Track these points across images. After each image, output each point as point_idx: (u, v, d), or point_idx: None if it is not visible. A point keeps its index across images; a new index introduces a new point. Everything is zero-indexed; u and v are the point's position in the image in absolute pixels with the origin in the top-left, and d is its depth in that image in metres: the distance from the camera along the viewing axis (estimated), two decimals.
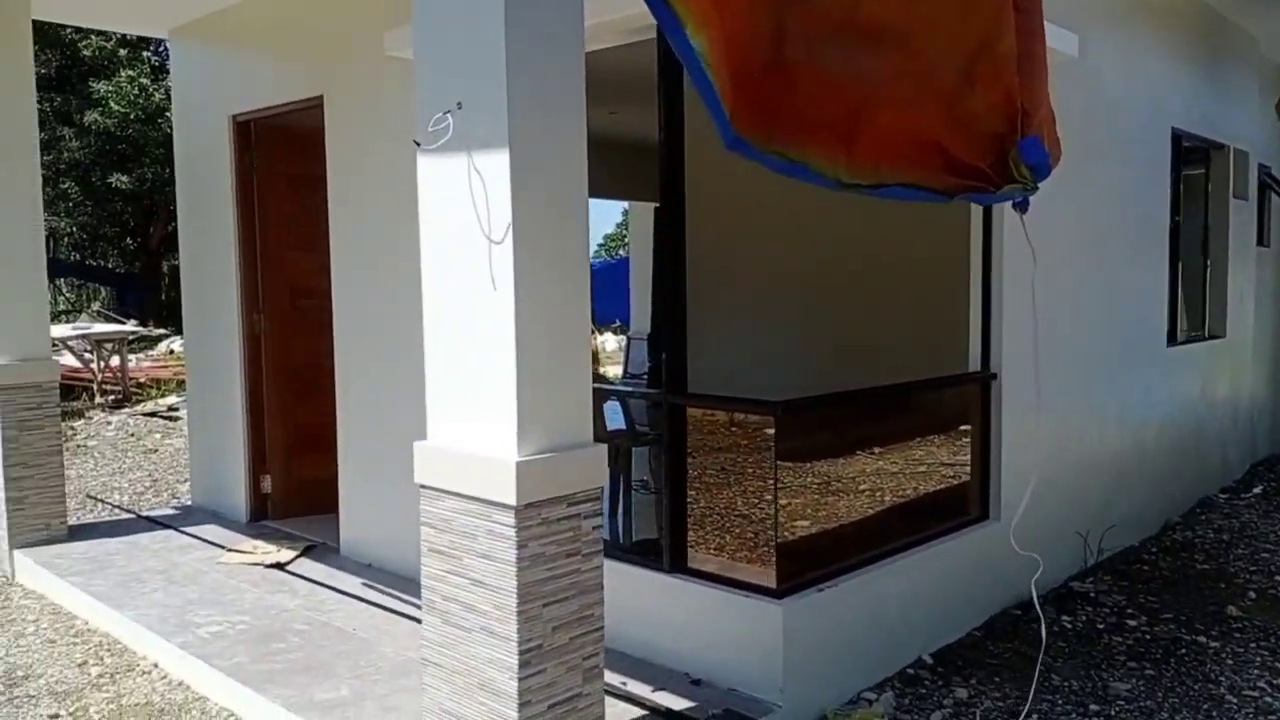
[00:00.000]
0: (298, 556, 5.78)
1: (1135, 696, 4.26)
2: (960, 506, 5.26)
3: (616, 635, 4.05)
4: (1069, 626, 5.07)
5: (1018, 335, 5.16)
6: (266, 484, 6.65)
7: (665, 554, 4.24)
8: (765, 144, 2.30)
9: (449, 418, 3.02)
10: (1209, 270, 8.03)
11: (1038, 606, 4.00)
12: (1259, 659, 4.70)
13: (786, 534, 4.24)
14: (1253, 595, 5.62)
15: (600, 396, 4.62)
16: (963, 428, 5.52)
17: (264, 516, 6.64)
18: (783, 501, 4.19)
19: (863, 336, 7.27)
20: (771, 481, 4.14)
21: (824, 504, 4.97)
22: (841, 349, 7.36)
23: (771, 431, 4.09)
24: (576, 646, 3.02)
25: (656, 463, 6.48)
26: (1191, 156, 7.59)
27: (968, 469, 5.40)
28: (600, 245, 31.17)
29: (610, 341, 19.65)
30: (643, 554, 4.39)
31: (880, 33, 2.32)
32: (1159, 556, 6.37)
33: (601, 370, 17.28)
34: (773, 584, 4.02)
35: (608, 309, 20.45)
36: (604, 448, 3.06)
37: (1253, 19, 7.89)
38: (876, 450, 6.12)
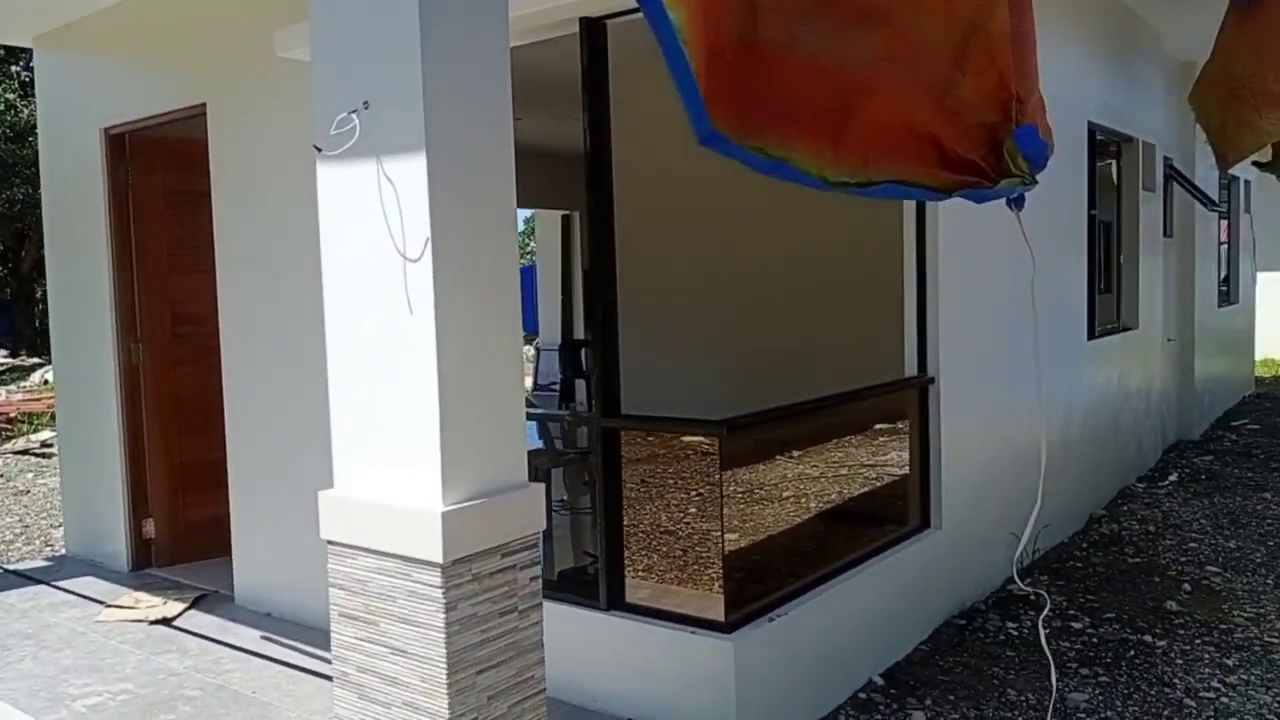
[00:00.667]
0: (187, 609, 5.25)
1: (1095, 707, 4.10)
2: (902, 516, 5.06)
3: (549, 680, 3.70)
4: (1015, 634, 4.91)
5: (954, 337, 4.99)
6: (150, 528, 6.06)
7: (602, 590, 3.91)
8: (742, 137, 2.00)
9: (360, 461, 2.63)
10: (1121, 262, 8.08)
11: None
12: (1206, 655, 4.61)
13: (733, 561, 3.95)
14: (1188, 588, 5.57)
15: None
16: (902, 435, 5.34)
17: (148, 564, 6.05)
18: (727, 525, 3.90)
19: (796, 342, 7.06)
20: (716, 507, 3.85)
21: (767, 524, 4.72)
22: (774, 356, 7.14)
23: (711, 452, 3.80)
24: (515, 715, 2.66)
25: (573, 481, 6.17)
26: (1102, 150, 7.61)
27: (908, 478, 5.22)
28: None
29: (528, 351, 19.19)
30: (576, 590, 4.04)
31: (863, 9, 2.04)
32: (1090, 552, 6.31)
33: None
34: (721, 617, 3.72)
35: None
36: (541, 488, 2.71)
37: (1158, 15, 7.97)
38: (817, 464, 5.91)
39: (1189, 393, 9.92)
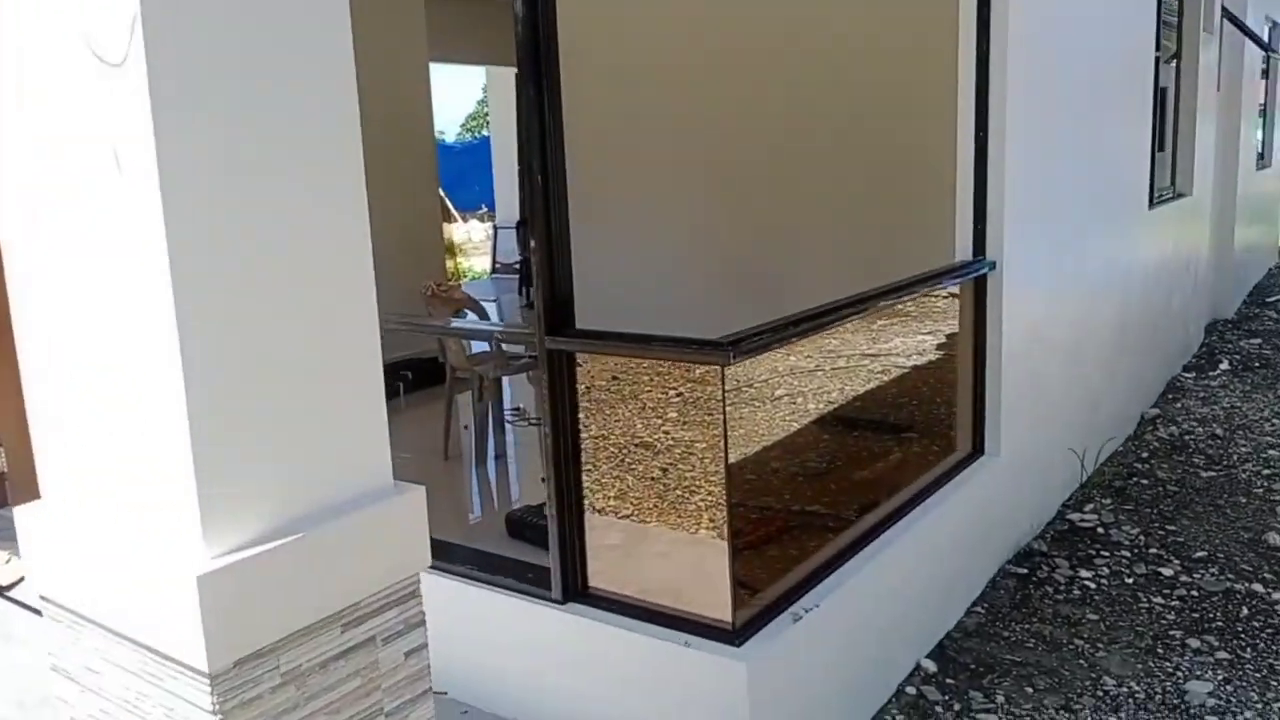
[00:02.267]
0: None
1: (1226, 705, 3.06)
2: (948, 443, 3.94)
3: (483, 698, 2.62)
4: (1091, 585, 3.85)
5: (1020, 210, 3.77)
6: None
7: (555, 578, 2.76)
8: None
9: (75, 472, 1.42)
10: (1178, 118, 6.79)
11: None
12: None
13: (741, 540, 2.83)
14: None
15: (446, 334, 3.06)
16: (941, 343, 4.18)
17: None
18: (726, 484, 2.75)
19: (803, 235, 5.81)
20: (713, 463, 2.69)
21: (779, 477, 3.62)
22: (776, 254, 5.89)
23: (708, 384, 2.61)
24: None
25: (532, 387, 5.00)
26: None
27: (950, 394, 4.09)
28: (462, 126, 28.55)
29: (478, 230, 17.81)
30: (519, 574, 2.90)
31: None
32: (1153, 463, 5.24)
33: (468, 264, 15.54)
34: (727, 620, 2.60)
35: (473, 195, 18.52)
36: (420, 495, 1.52)
37: None
38: (836, 385, 4.81)
39: (1226, 266, 8.77)
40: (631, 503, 5.03)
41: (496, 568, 2.94)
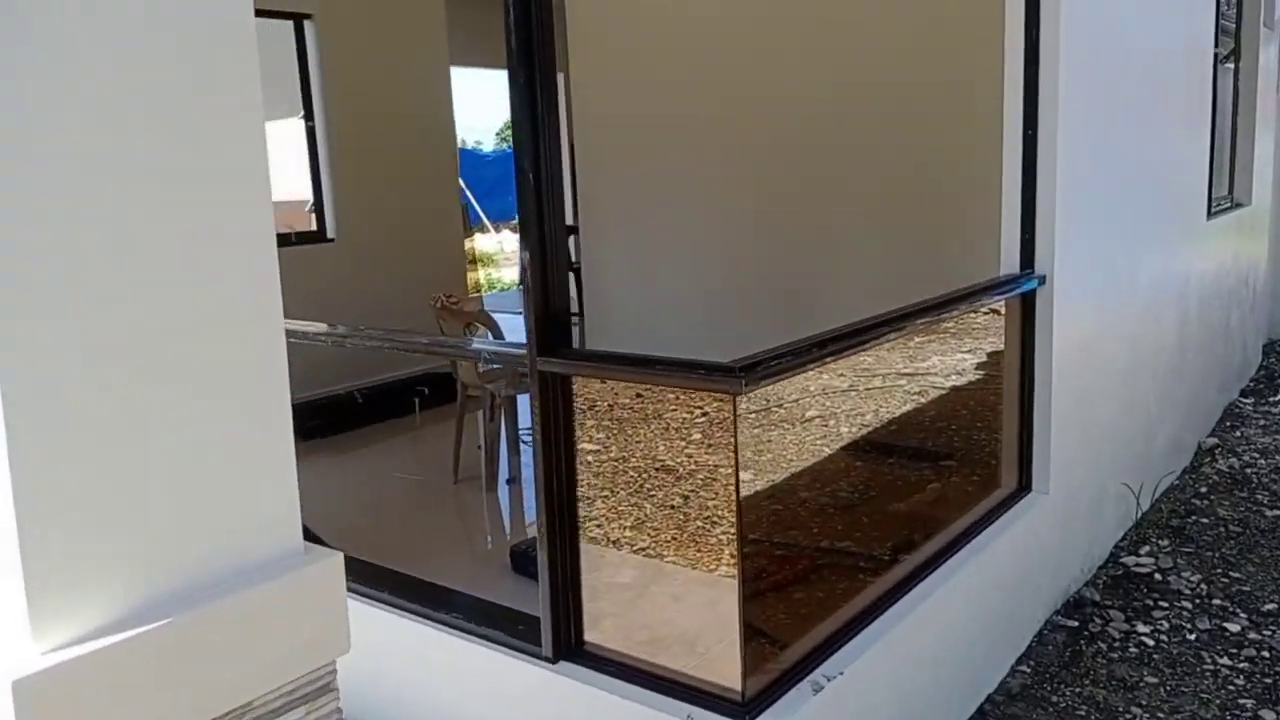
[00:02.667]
0: None
1: None
2: (988, 476, 3.59)
3: None
4: (1150, 642, 3.47)
5: (1074, 219, 3.41)
6: None
7: (545, 629, 2.45)
8: None
9: None
10: (1236, 120, 6.38)
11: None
12: None
13: (762, 581, 2.52)
14: None
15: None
16: (982, 362, 3.83)
17: None
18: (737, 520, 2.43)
19: (828, 250, 5.48)
20: (723, 502, 2.37)
21: (807, 508, 3.31)
22: (798, 271, 5.57)
23: (718, 415, 2.29)
24: None
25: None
26: None
27: (992, 420, 3.74)
28: (497, 135, 28.40)
29: (511, 240, 17.60)
30: (508, 626, 2.58)
31: None
32: (1213, 500, 4.83)
33: (497, 275, 15.32)
34: (737, 690, 2.27)
35: (506, 205, 18.31)
36: (338, 562, 1.22)
37: None
38: (871, 412, 4.49)
39: None
40: (649, 534, 4.71)
41: (482, 616, 2.63)
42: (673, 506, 5.04)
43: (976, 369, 5.61)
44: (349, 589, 2.71)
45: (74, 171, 1.03)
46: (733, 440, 2.17)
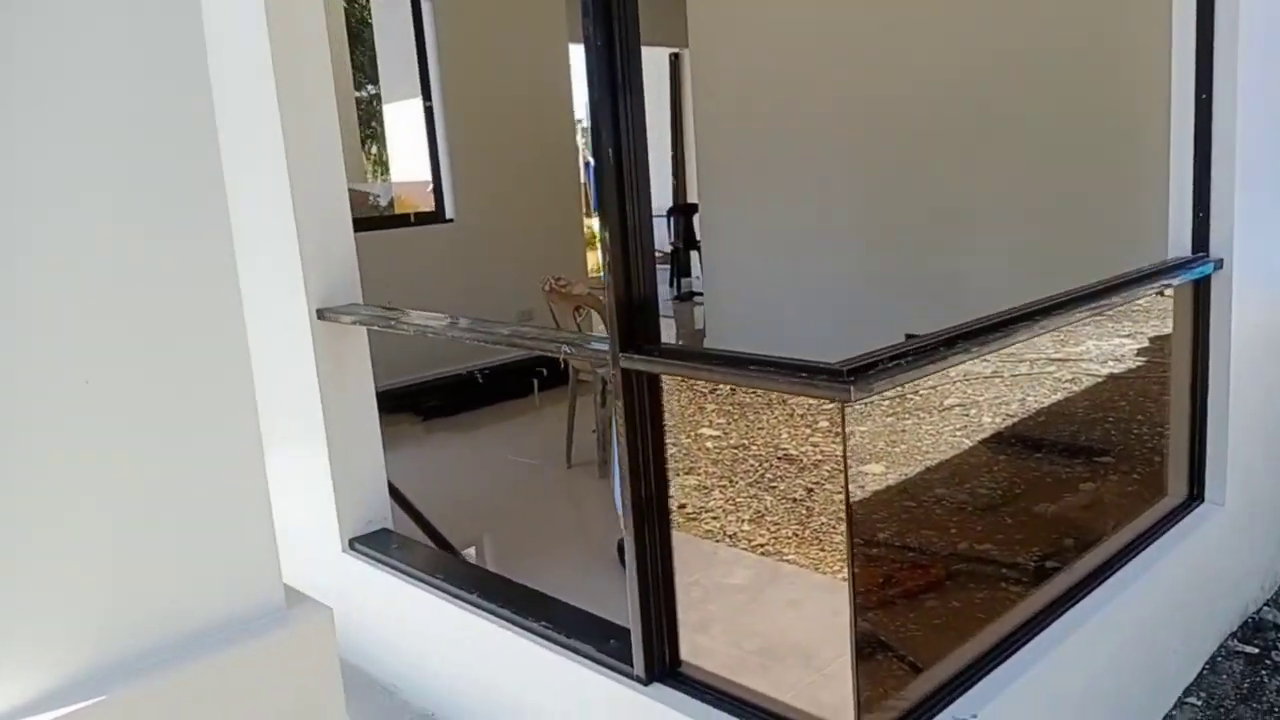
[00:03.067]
0: None
1: None
2: (1150, 476, 3.18)
3: None
4: None
5: (1259, 191, 2.94)
6: None
7: (636, 648, 2.23)
8: None
9: None
10: None
11: None
12: None
13: (891, 590, 2.25)
14: None
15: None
16: (1144, 347, 3.40)
17: None
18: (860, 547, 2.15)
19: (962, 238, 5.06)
20: (837, 524, 2.10)
21: (944, 506, 3.02)
22: (928, 260, 5.17)
23: (825, 420, 2.01)
24: None
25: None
26: None
27: (1154, 412, 3.32)
28: None
29: None
30: (598, 638, 2.37)
31: None
32: None
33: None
34: None
35: None
36: (327, 615, 1.01)
37: None
38: (1017, 402, 4.09)
39: None
40: (767, 529, 4.43)
41: (572, 625, 2.43)
42: (794, 499, 4.75)
43: (1137, 355, 5.09)
44: (435, 583, 2.56)
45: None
46: (842, 455, 1.88)
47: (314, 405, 2.95)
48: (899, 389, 3.59)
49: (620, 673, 2.24)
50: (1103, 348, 3.47)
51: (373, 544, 2.99)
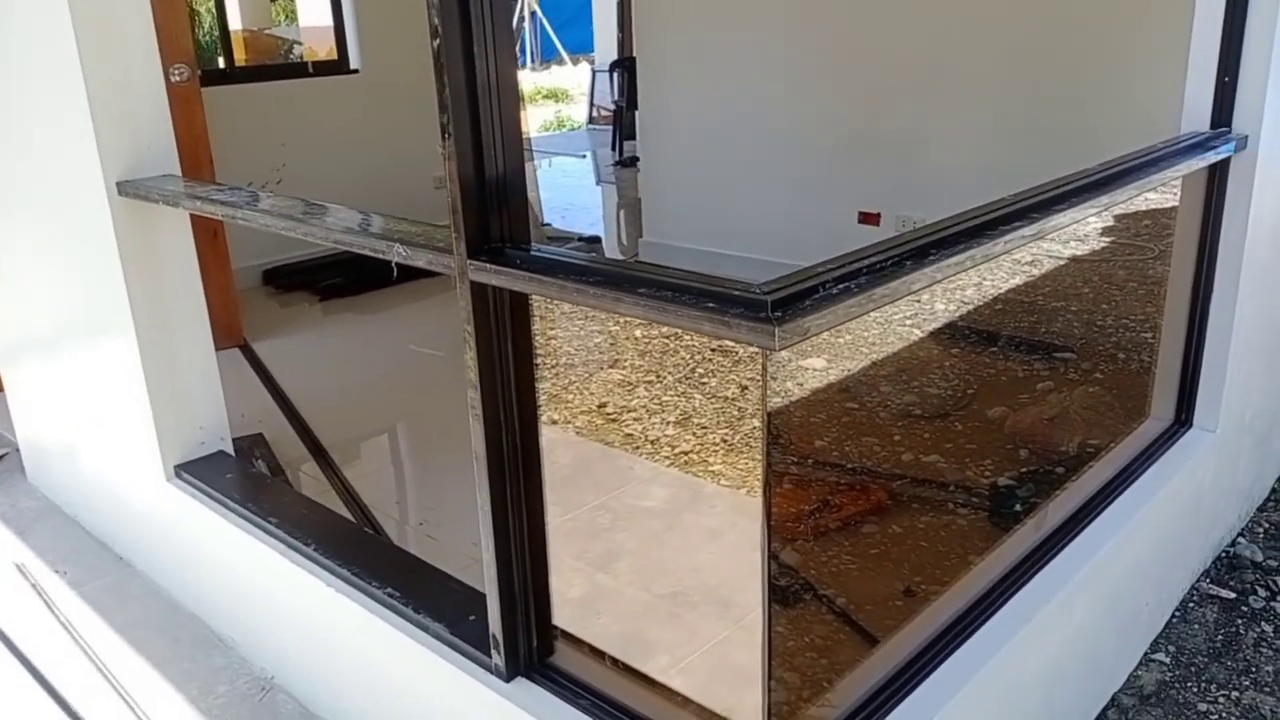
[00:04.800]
0: None
1: None
2: (1118, 376, 2.77)
3: None
4: None
5: None
6: None
7: (497, 637, 1.73)
8: None
9: None
10: None
11: None
12: None
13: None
14: None
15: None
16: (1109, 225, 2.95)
17: None
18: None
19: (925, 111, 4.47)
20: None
21: (887, 411, 2.72)
22: (885, 123, 4.56)
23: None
24: None
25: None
26: None
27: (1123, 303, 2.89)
28: None
29: (588, 75, 16.49)
30: (452, 617, 1.87)
31: None
32: None
33: (567, 112, 14.28)
34: None
35: (586, 36, 17.05)
36: None
37: None
38: (973, 286, 3.73)
39: None
40: (693, 434, 3.95)
41: (420, 593, 1.93)
42: (726, 398, 4.25)
43: (1102, 235, 4.60)
44: (267, 528, 2.04)
45: None
46: (763, 420, 1.35)
47: (120, 303, 2.35)
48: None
49: (477, 661, 1.76)
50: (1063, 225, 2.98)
51: (202, 472, 2.45)
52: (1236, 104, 2.33)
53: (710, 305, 1.22)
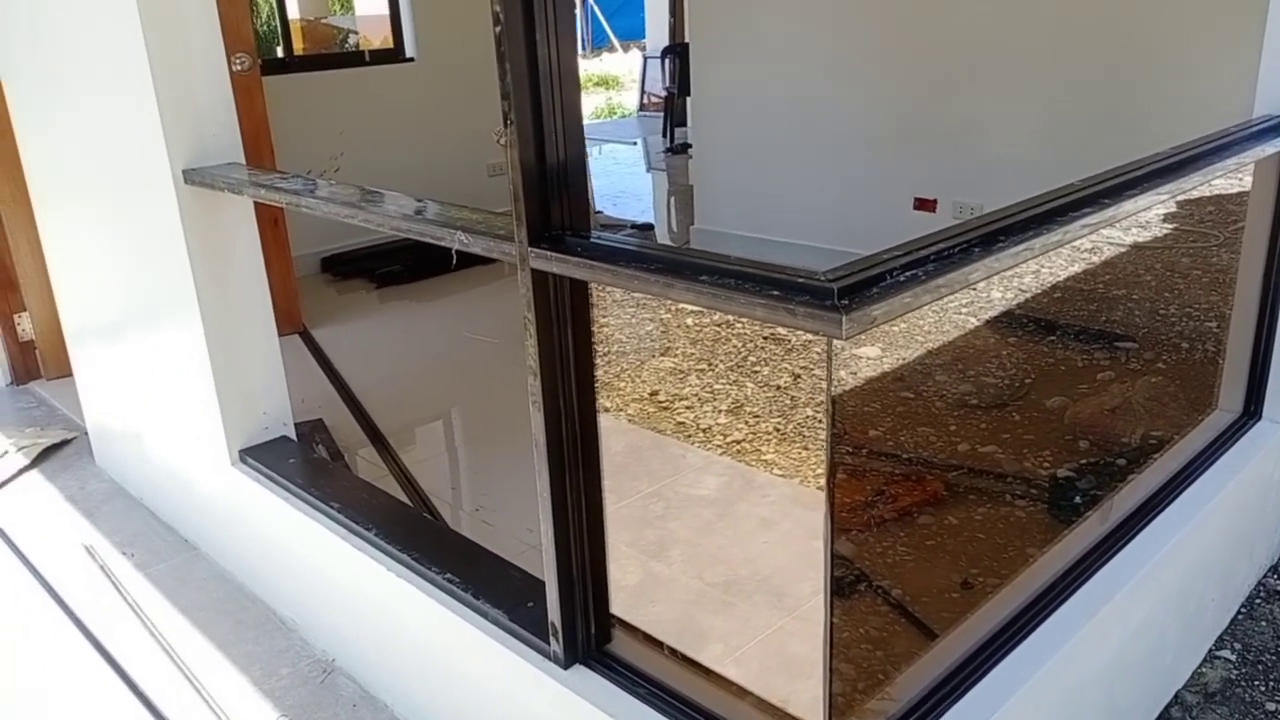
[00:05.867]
0: (22, 471, 3.47)
1: None
2: (1182, 367, 2.72)
3: None
4: None
5: None
6: (26, 324, 4.27)
7: (556, 626, 1.74)
8: None
9: None
10: None
11: None
12: None
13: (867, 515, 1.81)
14: None
15: None
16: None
17: (32, 376, 4.34)
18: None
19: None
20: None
21: (944, 401, 2.72)
22: (941, 111, 4.49)
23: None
24: None
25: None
26: None
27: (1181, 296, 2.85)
28: None
29: (640, 61, 16.46)
30: (511, 604, 1.89)
31: None
32: None
33: (618, 99, 14.27)
34: None
35: (639, 22, 17.00)
36: None
37: None
38: (1030, 274, 3.67)
39: None
40: (745, 422, 3.93)
41: (479, 579, 1.95)
42: (778, 387, 4.22)
43: (1165, 221, 4.49)
44: (329, 513, 2.07)
45: None
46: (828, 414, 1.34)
47: (186, 290, 2.40)
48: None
49: (535, 648, 1.77)
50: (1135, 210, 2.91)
51: (265, 457, 2.50)
52: None
53: (775, 293, 1.21)
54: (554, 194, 1.51)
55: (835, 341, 1.18)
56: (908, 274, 1.27)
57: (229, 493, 2.57)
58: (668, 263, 1.37)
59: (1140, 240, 4.41)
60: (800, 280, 1.21)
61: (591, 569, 1.69)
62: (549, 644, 1.74)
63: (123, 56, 2.31)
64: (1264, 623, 2.58)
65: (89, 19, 2.44)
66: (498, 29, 1.41)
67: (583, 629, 1.72)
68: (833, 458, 1.44)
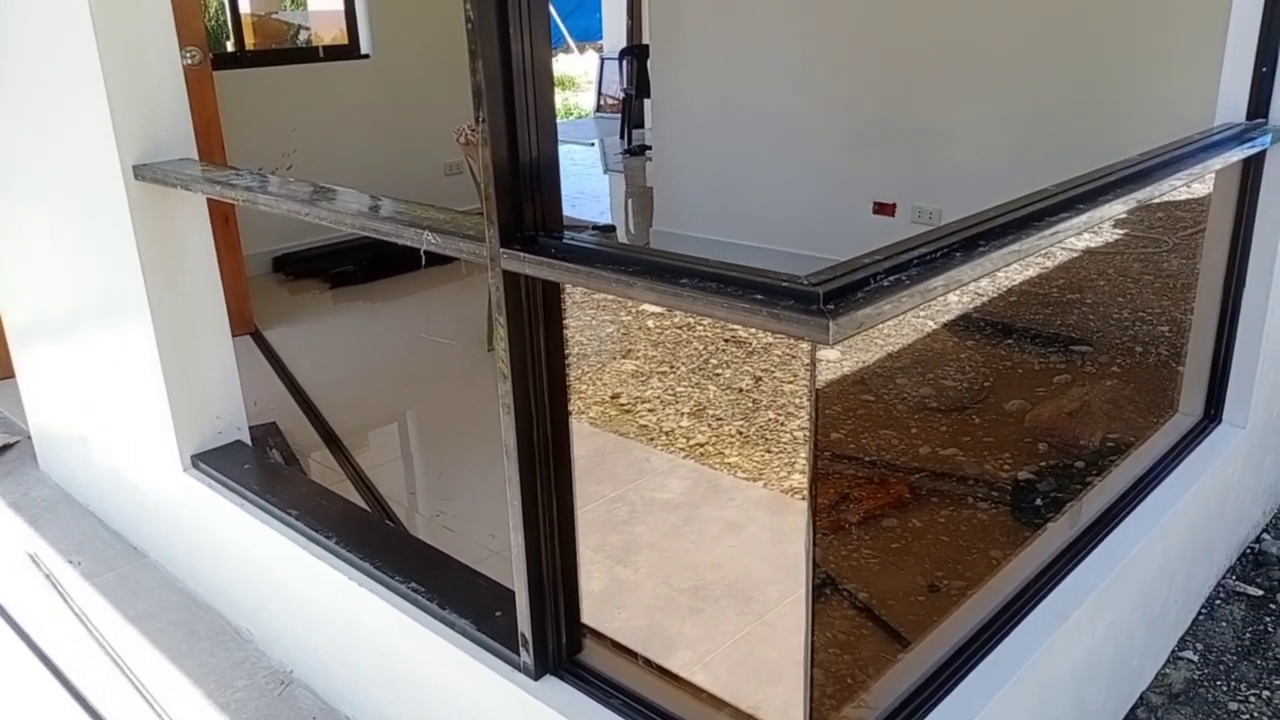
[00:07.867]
0: None
1: None
2: (1134, 369, 2.74)
3: None
4: None
5: None
6: None
7: (526, 636, 1.69)
8: None
9: None
10: None
11: None
12: None
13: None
14: None
15: None
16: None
17: None
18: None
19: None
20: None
21: (904, 404, 2.71)
22: (906, 114, 4.51)
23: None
24: None
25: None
26: None
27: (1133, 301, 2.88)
28: None
29: (596, 63, 16.41)
30: (479, 613, 1.84)
31: None
32: None
33: (575, 100, 14.20)
34: None
35: (594, 23, 16.94)
36: None
37: None
38: (987, 279, 3.68)
39: None
40: (709, 424, 3.91)
41: (444, 588, 1.90)
42: (740, 389, 4.20)
43: (1115, 227, 4.54)
44: (285, 519, 2.00)
45: None
46: (812, 415, 1.32)
47: (136, 289, 2.31)
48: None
49: (504, 659, 1.73)
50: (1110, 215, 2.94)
51: (219, 462, 2.42)
52: (1275, 95, 2.28)
53: (758, 297, 1.18)
54: (527, 194, 1.47)
55: (815, 346, 1.15)
56: (891, 278, 1.25)
57: (181, 499, 2.49)
58: (647, 265, 1.33)
59: (1093, 245, 4.47)
60: (784, 284, 1.18)
61: (563, 577, 1.65)
62: (519, 654, 1.70)
63: (74, 47, 2.22)
64: (1224, 623, 2.62)
65: (40, 6, 2.35)
66: (469, 25, 1.36)
67: (553, 639, 1.68)
68: (815, 465, 1.42)
